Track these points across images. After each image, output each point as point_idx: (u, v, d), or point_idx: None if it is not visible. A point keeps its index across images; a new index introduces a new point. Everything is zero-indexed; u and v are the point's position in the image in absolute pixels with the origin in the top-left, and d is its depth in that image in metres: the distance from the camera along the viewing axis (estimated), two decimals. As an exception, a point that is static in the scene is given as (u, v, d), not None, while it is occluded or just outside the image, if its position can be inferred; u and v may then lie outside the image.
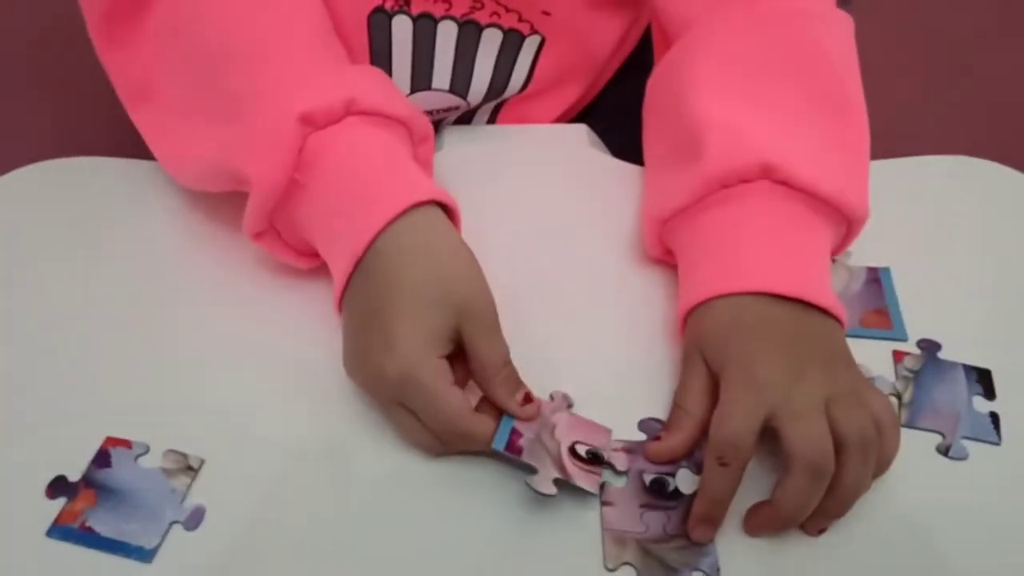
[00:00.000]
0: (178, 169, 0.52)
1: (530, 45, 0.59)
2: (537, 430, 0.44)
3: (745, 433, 0.41)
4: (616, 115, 0.67)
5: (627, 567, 0.41)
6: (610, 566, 0.41)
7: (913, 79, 0.80)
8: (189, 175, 0.52)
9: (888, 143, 0.59)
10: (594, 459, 0.44)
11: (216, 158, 0.48)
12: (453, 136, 0.63)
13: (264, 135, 0.46)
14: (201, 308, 0.50)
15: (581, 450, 0.44)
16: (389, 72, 0.58)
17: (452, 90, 0.59)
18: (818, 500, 0.41)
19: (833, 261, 0.53)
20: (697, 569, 0.41)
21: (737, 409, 0.41)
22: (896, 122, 0.66)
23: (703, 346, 0.45)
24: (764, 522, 0.42)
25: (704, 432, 0.43)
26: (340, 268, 0.46)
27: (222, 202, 0.53)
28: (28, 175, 0.57)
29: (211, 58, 0.48)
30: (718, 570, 0.41)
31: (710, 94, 0.50)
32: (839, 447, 0.41)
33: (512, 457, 0.43)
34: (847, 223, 0.48)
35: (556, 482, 0.42)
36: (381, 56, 0.57)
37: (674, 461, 0.44)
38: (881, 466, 0.43)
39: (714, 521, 0.42)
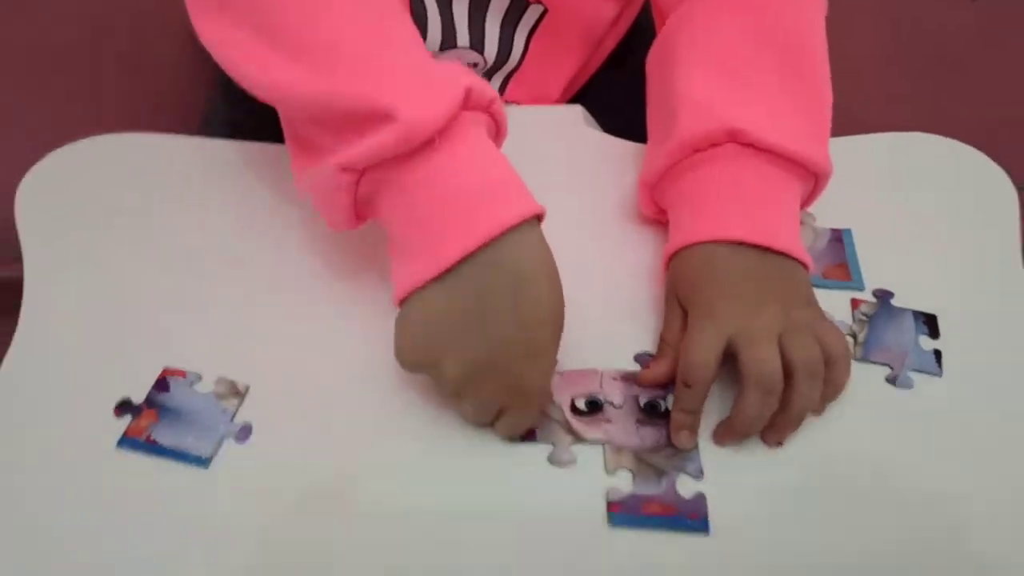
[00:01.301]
0: (256, 73, 0.49)
1: (532, 14, 0.66)
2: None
3: (706, 359, 0.48)
4: (609, 97, 0.74)
5: (624, 471, 0.48)
6: (609, 469, 0.48)
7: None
8: (276, 79, 0.49)
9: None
10: (593, 406, 0.51)
11: (345, 89, 0.46)
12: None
13: (422, 84, 0.46)
14: (244, 257, 0.57)
15: (580, 404, 0.51)
16: (425, 31, 0.65)
17: (472, 46, 0.66)
18: (768, 414, 0.48)
19: (801, 220, 0.60)
20: (684, 472, 0.48)
21: (700, 338, 0.49)
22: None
23: (677, 288, 0.52)
24: (727, 432, 0.49)
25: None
26: (448, 247, 0.45)
27: (265, 168, 0.59)
28: (97, 144, 0.63)
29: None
30: (701, 471, 0.48)
31: (689, 70, 0.57)
32: (788, 372, 0.48)
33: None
34: (813, 178, 0.55)
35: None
36: (419, 19, 0.64)
37: (662, 386, 0.51)
38: (832, 393, 0.50)
39: (688, 429, 0.49)
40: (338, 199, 0.48)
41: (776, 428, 0.49)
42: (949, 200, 0.64)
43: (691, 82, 0.56)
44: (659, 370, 0.51)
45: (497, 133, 0.51)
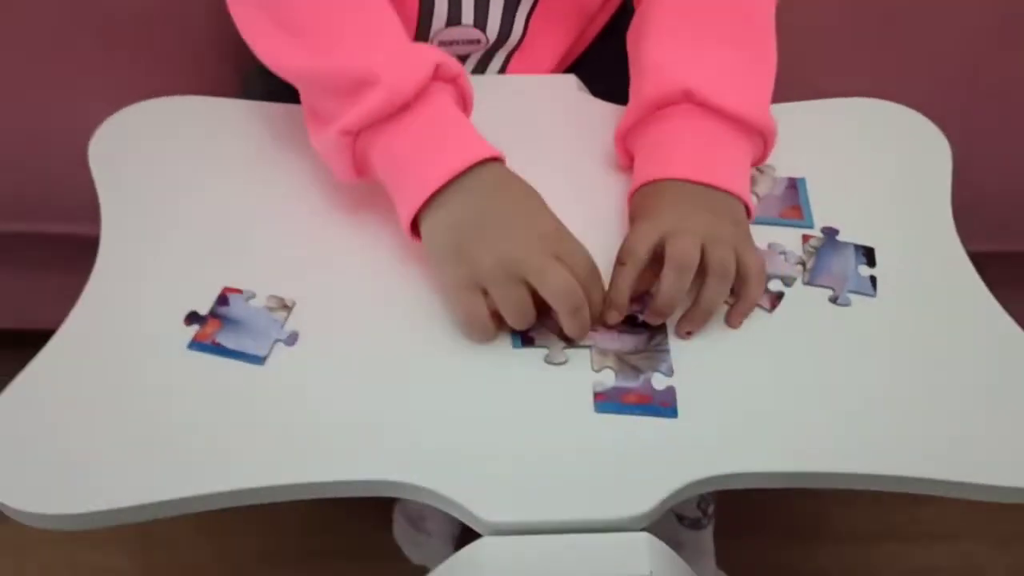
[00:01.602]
0: (273, 58, 0.64)
1: None
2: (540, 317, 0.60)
3: (639, 244, 0.59)
4: (599, 68, 0.84)
5: (607, 370, 0.58)
6: (595, 368, 0.58)
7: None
8: (287, 65, 0.63)
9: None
10: None
11: (340, 64, 0.59)
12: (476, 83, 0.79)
13: (401, 59, 0.59)
14: (287, 198, 0.67)
15: None
16: (431, 10, 0.75)
17: (475, 25, 0.76)
18: (682, 295, 0.58)
19: (761, 171, 0.70)
20: (657, 371, 0.58)
21: (638, 231, 0.60)
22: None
23: (635, 213, 0.63)
24: (650, 312, 0.59)
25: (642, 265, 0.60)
26: (429, 180, 0.58)
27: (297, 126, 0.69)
28: (155, 106, 0.73)
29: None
30: (672, 370, 0.58)
31: (654, 40, 0.67)
32: (703, 271, 0.58)
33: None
34: (761, 136, 0.65)
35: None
36: (426, 4, 0.74)
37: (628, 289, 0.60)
38: (745, 306, 0.60)
39: (620, 306, 0.59)
40: (342, 157, 0.61)
41: (687, 319, 0.59)
42: (892, 155, 0.74)
43: (654, 49, 0.67)
44: (628, 273, 0.60)
45: (463, 102, 0.64)
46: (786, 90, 0.74)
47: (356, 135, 0.60)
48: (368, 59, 0.59)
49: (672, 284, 0.58)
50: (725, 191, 0.62)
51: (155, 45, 0.96)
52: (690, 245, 0.58)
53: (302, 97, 0.66)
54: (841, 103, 0.78)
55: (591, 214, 0.66)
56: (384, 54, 0.60)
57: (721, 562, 1.05)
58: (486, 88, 0.78)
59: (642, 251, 0.59)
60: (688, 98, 0.64)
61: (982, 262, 0.67)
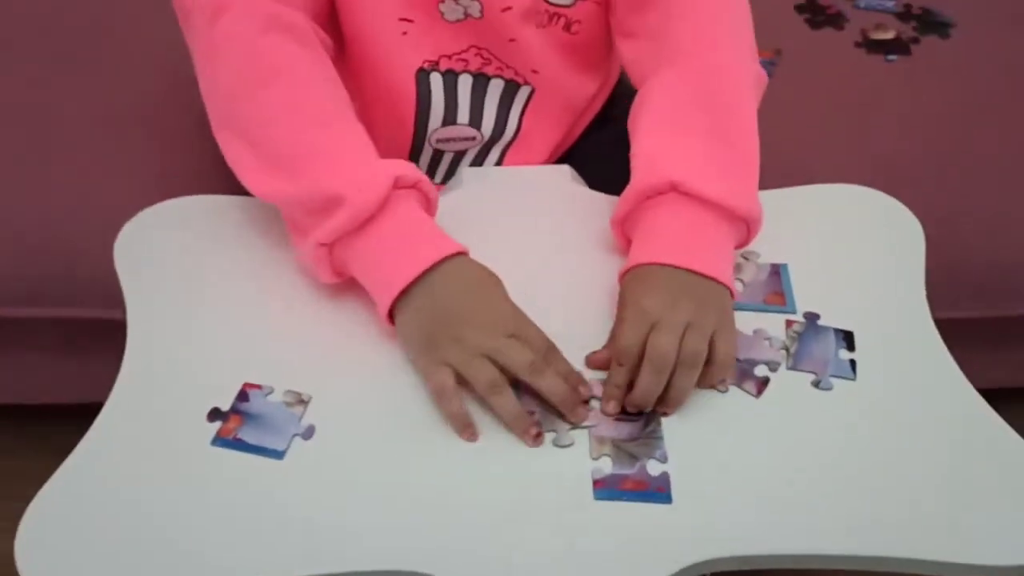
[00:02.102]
0: (254, 186, 0.70)
1: (523, 94, 0.82)
2: (541, 400, 0.64)
3: (632, 344, 0.63)
4: (590, 158, 0.89)
5: (605, 457, 0.62)
6: (594, 456, 0.62)
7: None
8: (266, 192, 0.69)
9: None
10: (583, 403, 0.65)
11: (309, 188, 0.66)
12: (468, 175, 0.84)
13: (363, 178, 0.66)
14: (303, 297, 0.71)
15: None
16: (428, 110, 0.80)
17: (471, 124, 0.82)
18: (659, 389, 0.62)
19: (746, 258, 0.75)
20: (652, 457, 0.62)
21: (628, 327, 0.64)
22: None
23: (625, 294, 0.67)
24: (629, 401, 0.63)
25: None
26: (396, 281, 0.64)
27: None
28: (175, 205, 0.78)
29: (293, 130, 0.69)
30: (666, 456, 0.62)
31: (644, 134, 0.72)
32: (677, 361, 0.62)
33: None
34: (744, 222, 0.70)
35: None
36: (424, 100, 0.80)
37: (604, 367, 0.65)
38: (704, 382, 0.65)
39: (615, 400, 0.63)
40: (322, 265, 0.68)
41: (662, 402, 0.64)
42: (869, 240, 0.78)
43: (645, 141, 0.72)
44: (601, 355, 0.66)
45: (427, 202, 0.70)
46: (768, 171, 0.80)
47: (331, 246, 0.67)
48: (334, 181, 0.66)
49: (649, 382, 0.63)
50: (709, 277, 0.66)
51: (167, 132, 1.02)
52: (668, 345, 0.63)
53: (282, 212, 0.72)
54: (820, 189, 0.82)
55: (582, 293, 0.71)
56: (348, 174, 0.66)
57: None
58: (486, 179, 0.83)
59: (635, 353, 0.63)
60: (674, 188, 0.69)
61: (958, 327, 0.71)
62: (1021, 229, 1.02)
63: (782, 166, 0.95)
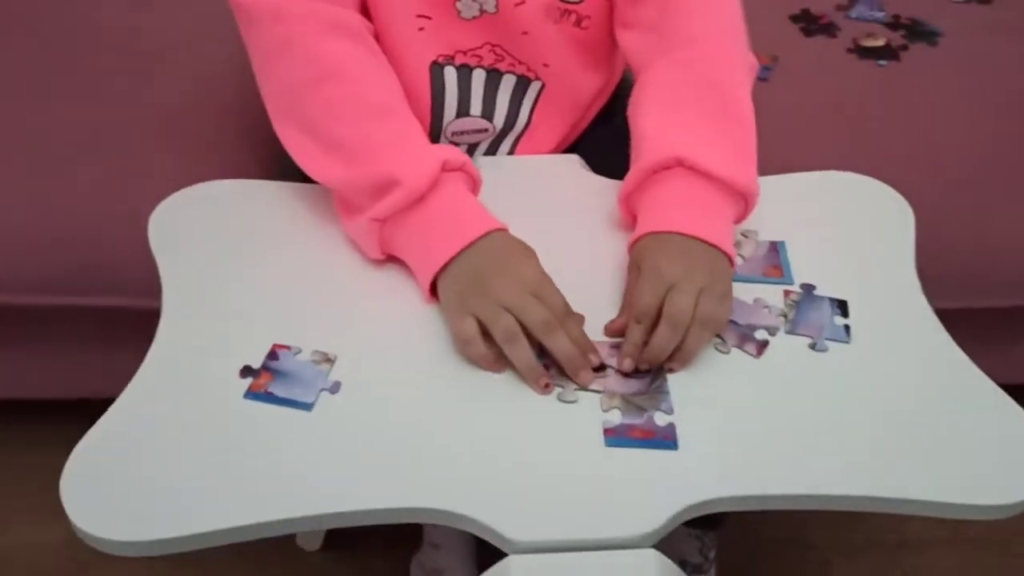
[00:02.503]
0: (315, 172, 0.77)
1: (533, 88, 0.87)
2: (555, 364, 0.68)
3: (652, 304, 0.68)
4: (597, 148, 0.94)
5: (615, 410, 0.66)
6: (604, 408, 0.66)
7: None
8: (327, 177, 0.76)
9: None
10: (599, 368, 0.68)
11: (369, 172, 0.72)
12: (484, 163, 0.89)
13: (417, 162, 0.72)
14: (325, 265, 0.76)
15: None
16: (443, 103, 0.85)
17: (483, 115, 0.87)
18: (673, 346, 0.67)
19: (746, 236, 0.79)
20: (659, 409, 0.66)
21: (647, 288, 0.68)
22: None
23: (637, 260, 0.71)
24: (647, 358, 0.67)
25: None
26: (441, 254, 0.70)
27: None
28: (206, 188, 0.83)
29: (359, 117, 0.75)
30: (672, 409, 0.66)
31: (646, 116, 0.77)
32: (692, 321, 0.67)
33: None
34: (743, 196, 0.74)
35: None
36: (438, 93, 0.85)
37: (622, 333, 0.69)
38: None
39: (631, 357, 0.67)
40: (371, 240, 0.74)
41: (673, 359, 0.68)
42: (861, 219, 0.83)
43: (649, 122, 0.77)
44: (619, 322, 0.70)
45: (473, 182, 0.76)
46: (768, 165, 0.84)
47: (383, 222, 0.72)
48: (391, 166, 0.72)
49: (665, 338, 0.67)
50: (713, 246, 0.71)
51: (194, 135, 1.07)
52: (686, 305, 0.67)
53: (335, 194, 0.78)
54: (817, 176, 0.87)
55: (594, 268, 0.76)
56: (403, 159, 0.72)
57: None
58: (501, 167, 0.88)
59: (653, 312, 0.68)
60: (680, 163, 0.73)
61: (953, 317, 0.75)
62: (1003, 223, 1.07)
63: (780, 163, 0.99)
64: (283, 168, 0.95)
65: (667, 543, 0.61)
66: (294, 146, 0.77)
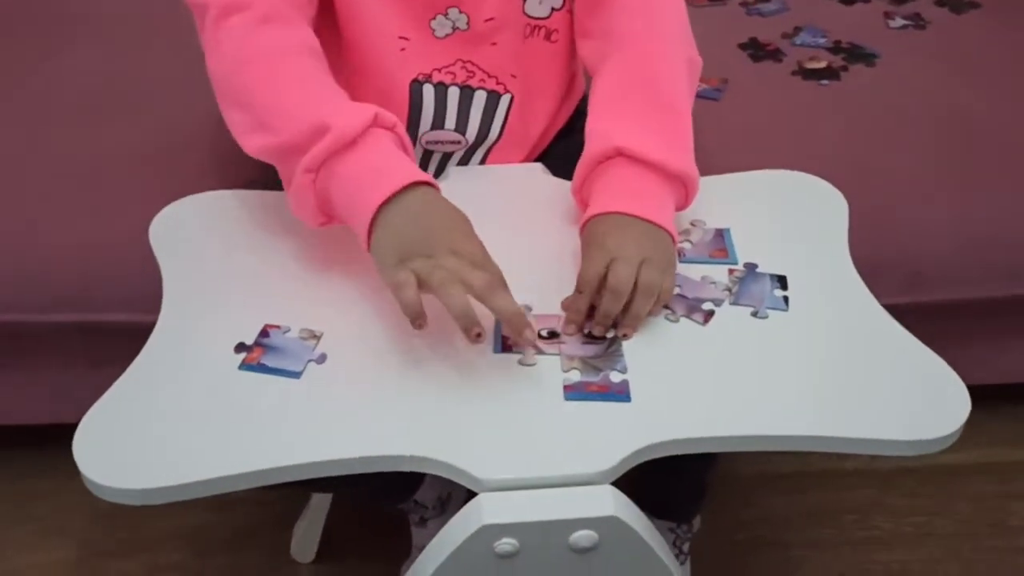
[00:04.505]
0: (250, 147, 0.80)
1: (504, 102, 0.95)
2: None
3: (593, 274, 0.75)
4: (559, 159, 1.02)
5: (574, 370, 0.73)
6: (564, 369, 0.73)
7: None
8: (264, 146, 0.79)
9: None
10: (552, 335, 0.76)
11: (297, 126, 0.75)
12: (454, 172, 0.97)
13: (346, 110, 0.76)
14: (308, 258, 0.83)
15: (544, 332, 0.76)
16: (419, 116, 0.94)
17: (456, 129, 0.95)
18: (617, 311, 0.74)
19: (694, 224, 0.87)
20: (614, 369, 0.73)
21: (590, 261, 0.76)
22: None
23: (587, 240, 0.79)
24: (596, 323, 0.75)
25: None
26: (374, 201, 0.72)
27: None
28: (197, 200, 0.91)
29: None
30: (625, 368, 0.73)
31: (593, 114, 0.86)
32: (636, 290, 0.74)
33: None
34: (680, 181, 0.83)
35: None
36: (416, 108, 0.93)
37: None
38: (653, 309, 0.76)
39: (575, 324, 0.75)
40: (307, 198, 0.76)
41: (622, 325, 0.75)
42: (800, 208, 0.91)
43: (595, 119, 0.86)
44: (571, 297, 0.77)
45: (403, 146, 0.78)
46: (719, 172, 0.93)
47: (316, 172, 0.75)
48: (322, 115, 0.75)
49: (608, 305, 0.75)
50: (655, 223, 0.79)
51: (174, 170, 1.15)
52: (625, 274, 0.75)
53: (280, 173, 0.81)
54: (760, 174, 0.96)
55: (556, 259, 0.83)
56: (334, 109, 0.76)
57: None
58: (472, 176, 0.97)
59: (594, 282, 0.76)
60: (620, 153, 0.82)
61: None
62: (934, 226, 1.17)
63: (731, 172, 1.08)
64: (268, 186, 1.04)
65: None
66: (232, 124, 0.81)
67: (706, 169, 0.87)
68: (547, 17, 0.93)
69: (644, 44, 0.88)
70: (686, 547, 1.15)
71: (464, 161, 1.00)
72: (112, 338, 1.10)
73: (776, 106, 1.25)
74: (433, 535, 0.69)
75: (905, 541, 1.27)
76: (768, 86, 1.29)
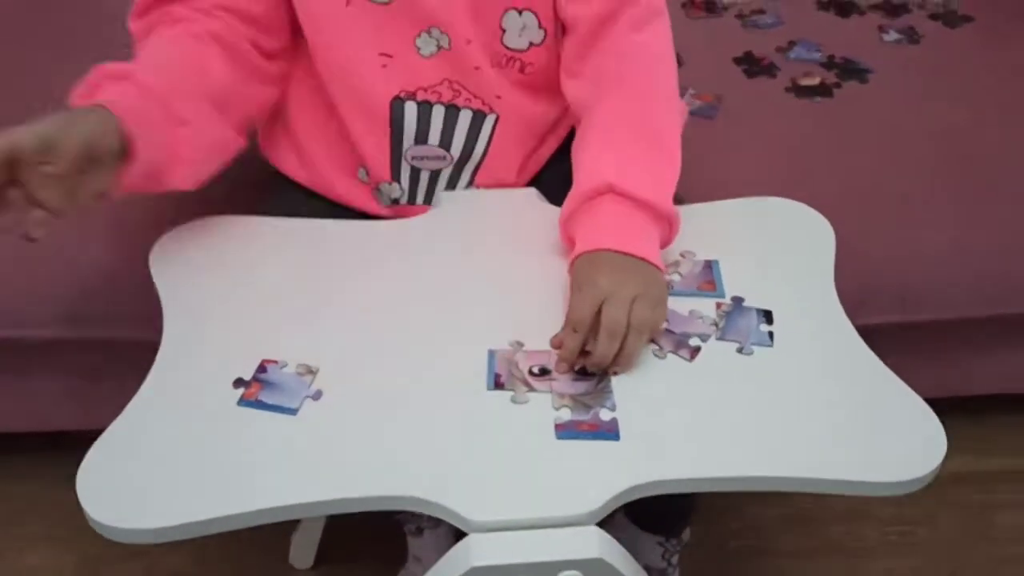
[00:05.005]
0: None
1: (489, 121, 0.96)
2: (509, 368, 0.78)
3: (586, 314, 0.76)
4: (552, 185, 1.03)
5: (565, 408, 0.75)
6: (555, 407, 0.75)
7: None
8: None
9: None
10: (543, 372, 0.78)
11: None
12: (447, 198, 0.98)
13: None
14: (305, 289, 0.85)
15: (535, 369, 0.78)
16: (401, 131, 0.95)
17: (441, 145, 0.96)
18: (614, 352, 0.76)
19: (683, 256, 0.89)
20: (604, 406, 0.75)
21: (583, 301, 0.77)
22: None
23: (578, 279, 0.81)
24: (593, 364, 0.76)
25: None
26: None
27: (304, 236, 0.88)
28: (199, 225, 0.93)
29: None
30: (615, 406, 0.75)
31: (584, 150, 0.88)
32: (628, 328, 0.76)
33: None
34: (666, 220, 0.84)
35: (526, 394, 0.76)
36: (396, 124, 0.95)
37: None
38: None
39: (568, 363, 0.77)
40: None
41: (617, 363, 0.77)
42: (786, 238, 0.92)
43: (585, 156, 0.87)
44: (562, 334, 0.79)
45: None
46: (711, 193, 0.94)
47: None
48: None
49: (605, 347, 0.76)
50: (644, 259, 0.81)
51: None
52: (620, 314, 0.77)
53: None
54: (748, 201, 0.97)
55: (546, 288, 0.85)
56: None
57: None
58: (466, 200, 0.98)
59: (587, 321, 0.77)
60: (611, 189, 0.84)
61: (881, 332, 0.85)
62: (925, 244, 1.18)
63: (723, 191, 1.09)
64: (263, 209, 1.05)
65: (631, 549, 0.70)
66: None
67: (699, 189, 0.89)
68: (524, 50, 0.94)
69: (637, 88, 0.90)
70: (675, 559, 1.17)
71: (453, 178, 1.00)
72: (111, 351, 1.13)
73: (769, 126, 1.26)
74: (428, 544, 0.72)
75: (891, 550, 1.30)
76: (762, 104, 1.30)
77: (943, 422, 0.74)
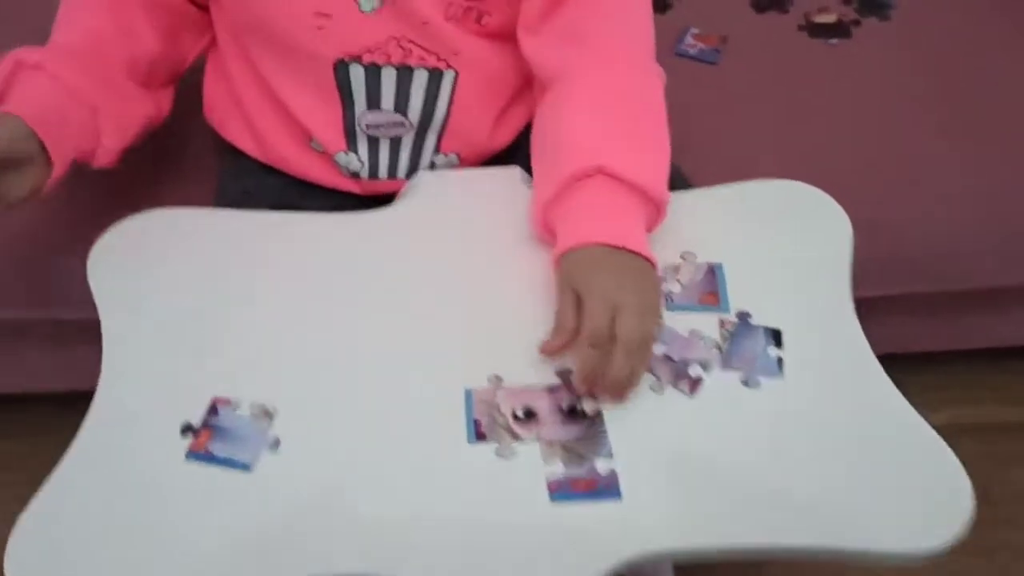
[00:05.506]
0: None
1: (448, 79, 0.85)
2: (490, 412, 0.69)
3: (605, 325, 0.68)
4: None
5: (556, 460, 0.67)
6: (545, 458, 0.67)
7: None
8: None
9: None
10: (528, 415, 0.70)
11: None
12: (426, 178, 0.88)
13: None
14: (263, 308, 0.76)
15: (520, 413, 0.70)
16: (351, 97, 0.85)
17: (396, 110, 0.86)
18: (630, 371, 0.68)
19: (684, 259, 0.79)
20: (599, 455, 0.67)
21: (598, 312, 0.68)
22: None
23: (571, 279, 0.72)
24: (604, 388, 0.69)
25: (574, 336, 0.69)
26: None
27: (266, 232, 0.78)
28: (144, 219, 0.83)
29: None
30: (611, 453, 0.67)
31: (569, 124, 0.78)
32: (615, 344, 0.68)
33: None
34: (655, 205, 0.76)
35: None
36: (344, 90, 0.84)
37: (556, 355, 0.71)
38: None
39: (590, 383, 0.69)
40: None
41: (599, 389, 0.69)
42: (799, 236, 0.82)
43: (570, 131, 0.78)
44: (556, 343, 0.70)
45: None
46: (713, 164, 0.84)
47: None
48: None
49: (623, 366, 0.68)
50: (638, 254, 0.73)
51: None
52: (637, 328, 0.68)
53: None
54: (755, 186, 0.87)
55: (533, 278, 0.77)
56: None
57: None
58: (446, 181, 0.88)
59: (607, 335, 0.68)
60: (601, 171, 0.74)
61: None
62: (947, 209, 1.08)
63: (727, 155, 0.99)
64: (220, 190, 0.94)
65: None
66: None
67: (697, 153, 0.81)
68: None
69: (613, 47, 0.81)
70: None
71: (416, 145, 0.90)
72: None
73: (778, 71, 1.14)
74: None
75: None
76: (771, 46, 1.17)
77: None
